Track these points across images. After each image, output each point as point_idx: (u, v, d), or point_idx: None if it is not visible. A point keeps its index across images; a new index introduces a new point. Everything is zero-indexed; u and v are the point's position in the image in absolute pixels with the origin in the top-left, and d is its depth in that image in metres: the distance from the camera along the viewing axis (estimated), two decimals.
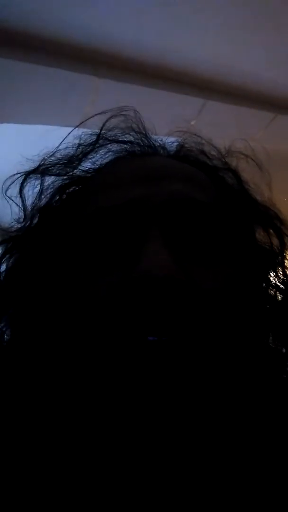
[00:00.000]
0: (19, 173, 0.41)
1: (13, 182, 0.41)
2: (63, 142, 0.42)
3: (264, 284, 0.39)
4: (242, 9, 1.09)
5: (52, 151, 0.41)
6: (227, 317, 0.30)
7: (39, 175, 0.41)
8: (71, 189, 0.41)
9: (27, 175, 0.41)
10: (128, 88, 1.22)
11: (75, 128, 0.45)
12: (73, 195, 0.40)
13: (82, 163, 0.41)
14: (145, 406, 0.27)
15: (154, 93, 1.26)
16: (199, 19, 1.11)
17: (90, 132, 0.43)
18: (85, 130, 0.43)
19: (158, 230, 0.31)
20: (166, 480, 0.28)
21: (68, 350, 0.31)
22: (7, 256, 0.38)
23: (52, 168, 0.41)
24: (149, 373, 0.27)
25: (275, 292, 0.39)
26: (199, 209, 0.33)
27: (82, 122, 0.46)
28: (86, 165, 0.42)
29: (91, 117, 0.44)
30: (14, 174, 0.41)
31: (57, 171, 0.41)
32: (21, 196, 0.40)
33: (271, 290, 0.39)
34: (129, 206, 0.32)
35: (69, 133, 0.44)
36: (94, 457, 0.29)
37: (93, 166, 0.41)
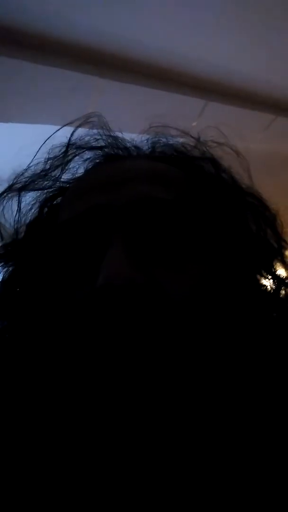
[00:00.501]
0: None
1: None
2: (35, 158, 0.42)
3: (250, 277, 0.36)
4: (243, 12, 1.10)
5: (24, 168, 0.41)
6: (197, 320, 0.28)
7: (15, 193, 0.40)
8: (54, 201, 0.40)
9: (0, 195, 0.40)
10: (130, 88, 1.22)
11: (50, 136, 0.44)
12: (55, 207, 0.39)
13: (60, 175, 0.41)
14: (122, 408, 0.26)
15: (156, 93, 1.27)
16: (201, 21, 1.12)
17: (59, 145, 0.42)
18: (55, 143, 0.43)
19: (121, 235, 0.30)
20: (163, 478, 0.27)
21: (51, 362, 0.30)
22: None
23: (29, 184, 0.40)
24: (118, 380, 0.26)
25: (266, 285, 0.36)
26: (163, 207, 0.31)
27: (62, 127, 0.45)
28: (66, 176, 0.41)
29: (55, 131, 0.44)
30: None
31: (35, 186, 0.40)
32: None
33: (260, 283, 0.36)
34: (90, 214, 0.31)
35: (41, 146, 0.43)
36: (90, 455, 0.28)
37: (72, 177, 0.41)
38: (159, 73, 1.27)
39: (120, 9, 1.05)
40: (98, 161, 0.41)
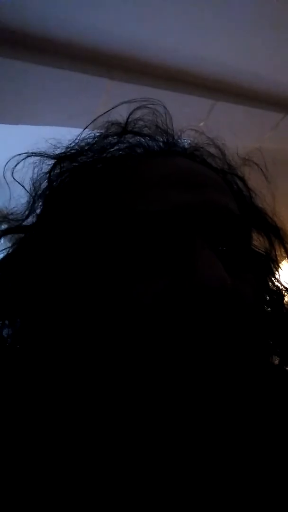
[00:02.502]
0: (33, 154, 0.39)
1: (17, 164, 0.39)
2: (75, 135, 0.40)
3: (268, 291, 0.40)
4: (251, 11, 1.11)
5: (78, 139, 0.40)
6: (260, 327, 0.32)
7: (54, 161, 0.38)
8: (77, 173, 0.38)
9: (59, 160, 0.38)
10: (139, 89, 1.23)
11: (84, 128, 0.42)
12: (82, 182, 0.37)
13: (105, 154, 0.39)
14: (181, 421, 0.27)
15: (165, 94, 1.27)
16: (209, 21, 1.12)
17: (113, 121, 0.41)
18: (94, 129, 0.41)
19: (203, 240, 0.30)
20: (168, 480, 0.28)
21: (104, 352, 0.29)
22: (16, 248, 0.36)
23: (72, 156, 0.39)
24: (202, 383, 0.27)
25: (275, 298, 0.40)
26: (234, 221, 0.33)
27: (92, 122, 0.43)
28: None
29: (117, 105, 0.43)
30: (25, 154, 0.39)
31: (76, 159, 0.39)
32: (49, 183, 0.37)
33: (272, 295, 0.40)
34: (176, 213, 0.31)
35: (92, 122, 0.42)
36: (95, 458, 0.28)
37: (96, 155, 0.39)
38: (167, 74, 1.28)
39: (129, 11, 1.06)
40: (135, 148, 0.40)
